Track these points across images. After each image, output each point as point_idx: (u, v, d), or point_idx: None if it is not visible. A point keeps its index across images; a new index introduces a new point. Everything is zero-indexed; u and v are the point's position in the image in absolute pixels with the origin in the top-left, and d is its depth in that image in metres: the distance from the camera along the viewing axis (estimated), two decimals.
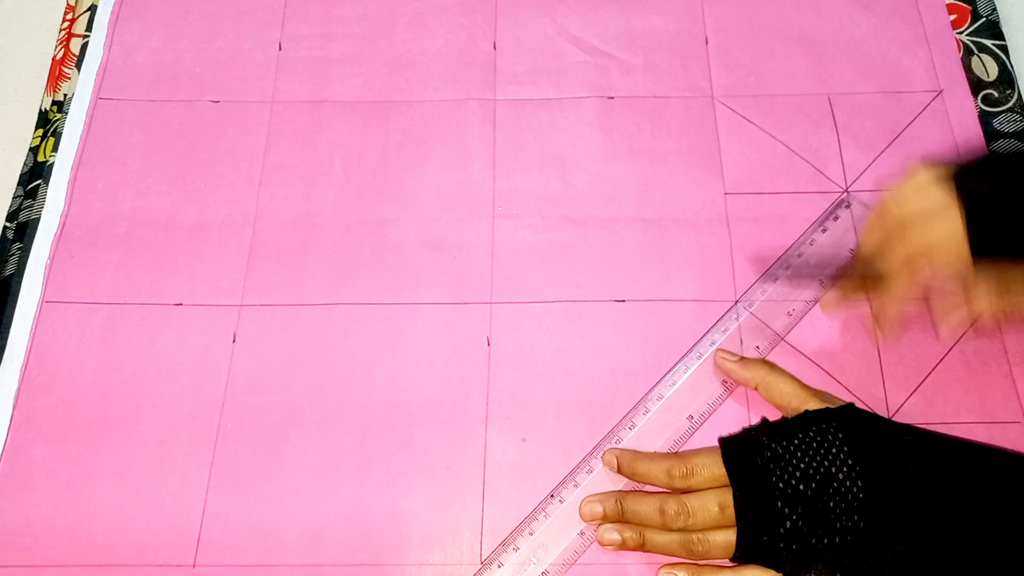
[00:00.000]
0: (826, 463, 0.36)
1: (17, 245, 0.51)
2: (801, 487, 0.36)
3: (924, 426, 0.39)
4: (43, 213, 0.51)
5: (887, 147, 0.52)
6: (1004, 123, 0.52)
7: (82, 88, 0.55)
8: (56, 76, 0.56)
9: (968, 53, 0.55)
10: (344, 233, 0.50)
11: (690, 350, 0.46)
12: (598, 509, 0.41)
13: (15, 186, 0.53)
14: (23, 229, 0.51)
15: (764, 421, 0.40)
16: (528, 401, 0.45)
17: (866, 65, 0.54)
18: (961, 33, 0.55)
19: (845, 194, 0.50)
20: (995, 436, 0.43)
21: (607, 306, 0.48)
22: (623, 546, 0.40)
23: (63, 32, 0.58)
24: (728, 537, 0.37)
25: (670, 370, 0.46)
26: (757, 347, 0.46)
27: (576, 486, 0.43)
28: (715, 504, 0.38)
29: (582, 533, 0.41)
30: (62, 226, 0.51)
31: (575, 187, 0.51)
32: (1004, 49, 0.55)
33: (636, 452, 0.42)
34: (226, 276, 0.49)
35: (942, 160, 0.41)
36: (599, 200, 0.51)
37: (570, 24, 0.56)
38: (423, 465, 0.44)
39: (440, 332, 0.47)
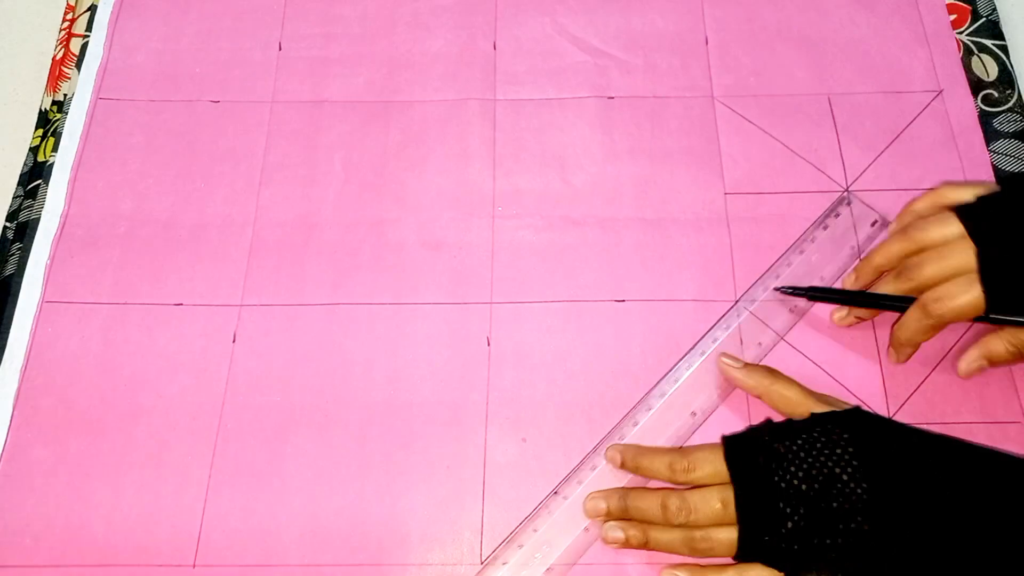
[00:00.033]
0: (830, 464, 0.36)
1: (17, 245, 0.51)
2: (804, 487, 0.35)
3: (924, 426, 0.39)
4: (43, 213, 0.51)
5: (887, 147, 0.52)
6: (1004, 123, 0.52)
7: (82, 88, 0.55)
8: (56, 76, 0.56)
9: (968, 53, 0.55)
10: (344, 233, 0.50)
11: (692, 347, 0.46)
12: (602, 505, 0.41)
13: (15, 186, 0.53)
14: (23, 229, 0.51)
15: (768, 422, 0.40)
16: (528, 401, 0.45)
17: (866, 65, 0.54)
18: (961, 33, 0.55)
19: (846, 193, 0.50)
20: (995, 436, 0.43)
21: (607, 306, 0.48)
22: (626, 544, 0.40)
23: (63, 32, 0.58)
24: (731, 535, 0.37)
25: (673, 367, 0.46)
26: (760, 343, 0.46)
27: (580, 483, 0.43)
28: (717, 500, 0.37)
29: (587, 530, 0.41)
30: (62, 226, 0.51)
31: (575, 187, 0.51)
32: (1004, 49, 0.55)
33: (640, 447, 0.42)
34: (226, 276, 0.49)
35: (971, 186, 0.43)
36: (599, 200, 0.51)
37: (570, 24, 0.56)
38: (423, 465, 0.44)
39: (440, 332, 0.47)
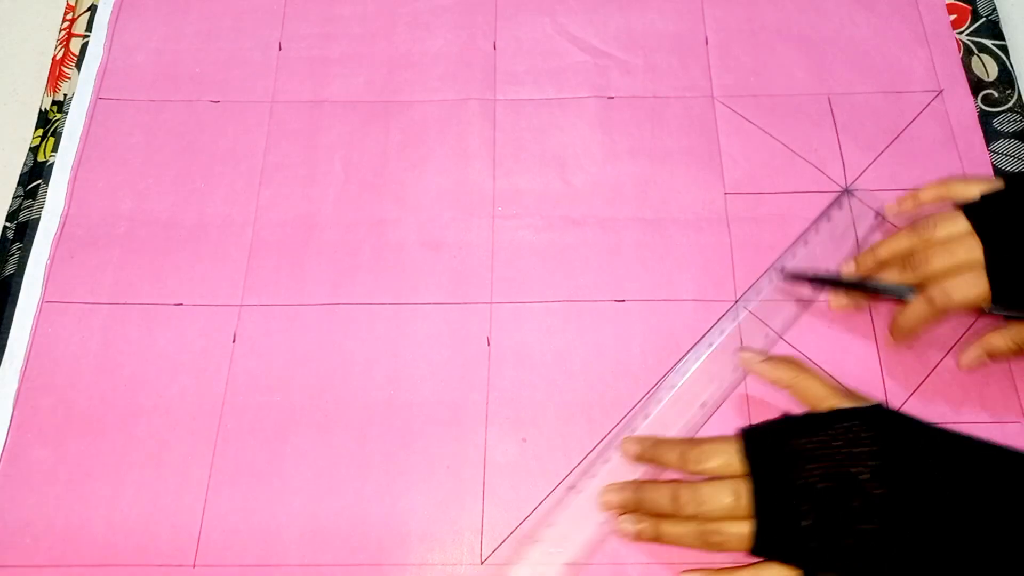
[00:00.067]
0: (849, 463, 0.35)
1: (17, 245, 0.51)
2: (822, 485, 0.35)
3: None
4: (43, 213, 0.51)
5: (887, 147, 0.52)
6: (1004, 123, 0.52)
7: (82, 88, 0.55)
8: (56, 76, 0.56)
9: (968, 53, 0.55)
10: (344, 233, 0.50)
11: (700, 340, 0.46)
12: (616, 498, 0.41)
13: (15, 186, 0.53)
14: (23, 229, 0.51)
15: (786, 416, 0.39)
16: (528, 401, 0.45)
17: (866, 65, 0.54)
18: (961, 33, 0.55)
19: (845, 193, 0.50)
20: (995, 436, 0.42)
21: (607, 306, 0.48)
22: (638, 536, 0.40)
23: (63, 32, 0.58)
24: (743, 529, 0.36)
25: (682, 359, 0.46)
26: (766, 334, 0.46)
27: (594, 476, 0.43)
28: (728, 493, 0.37)
29: (602, 523, 0.42)
30: (62, 226, 0.51)
31: (575, 187, 0.51)
32: (1004, 49, 0.55)
33: (654, 438, 0.42)
34: (226, 276, 0.49)
35: (976, 182, 0.44)
36: (599, 200, 0.51)
37: (570, 24, 0.56)
38: (423, 465, 0.44)
39: (440, 332, 0.47)
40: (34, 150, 0.54)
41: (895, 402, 0.45)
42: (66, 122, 0.54)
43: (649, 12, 0.57)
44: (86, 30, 0.58)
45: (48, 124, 0.55)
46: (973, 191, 0.43)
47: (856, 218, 0.49)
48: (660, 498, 0.39)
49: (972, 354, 0.44)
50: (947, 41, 0.55)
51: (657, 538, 0.39)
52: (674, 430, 0.44)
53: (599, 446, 0.44)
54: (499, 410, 0.45)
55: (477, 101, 0.54)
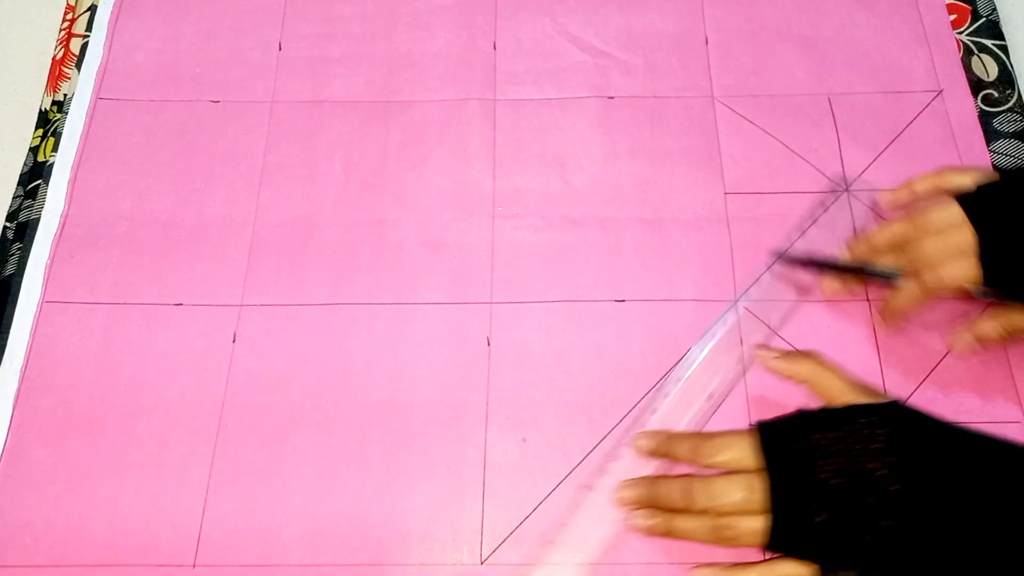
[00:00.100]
0: (865, 458, 0.35)
1: (17, 245, 0.51)
2: (838, 481, 0.35)
3: None
4: (43, 213, 0.51)
5: (887, 147, 0.52)
6: (1004, 123, 0.52)
7: (82, 88, 0.55)
8: (56, 76, 0.56)
9: (968, 53, 0.55)
10: (344, 233, 0.50)
11: (704, 334, 0.46)
12: (630, 494, 0.41)
13: (15, 186, 0.53)
14: (23, 229, 0.51)
15: (801, 411, 0.39)
16: (528, 401, 0.45)
17: (866, 65, 0.54)
18: (961, 33, 0.55)
19: (845, 192, 0.50)
20: None
21: (607, 306, 0.48)
22: (652, 531, 0.40)
23: (63, 32, 0.58)
24: (756, 524, 0.36)
25: (686, 354, 0.46)
26: (766, 332, 0.46)
27: (607, 474, 0.43)
28: (741, 488, 0.37)
29: (617, 520, 0.42)
30: (62, 226, 0.51)
31: (575, 187, 0.51)
32: (1004, 49, 0.55)
33: (667, 432, 0.42)
34: (226, 276, 0.49)
35: (971, 172, 0.44)
36: (599, 200, 0.51)
37: (570, 24, 0.56)
38: (423, 465, 0.44)
39: (440, 332, 0.47)
40: (34, 150, 0.54)
41: None
42: (66, 122, 0.54)
43: (649, 12, 0.57)
44: (86, 30, 0.58)
45: (48, 124, 0.55)
46: (967, 181, 0.44)
47: (856, 217, 0.49)
48: (673, 492, 0.39)
49: (962, 338, 0.44)
50: (947, 41, 0.55)
51: (669, 533, 0.39)
52: (683, 423, 0.44)
53: (601, 445, 0.44)
54: (499, 410, 0.45)
55: (477, 101, 0.54)
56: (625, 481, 0.41)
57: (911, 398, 0.45)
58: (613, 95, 0.54)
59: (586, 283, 0.48)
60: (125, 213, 0.51)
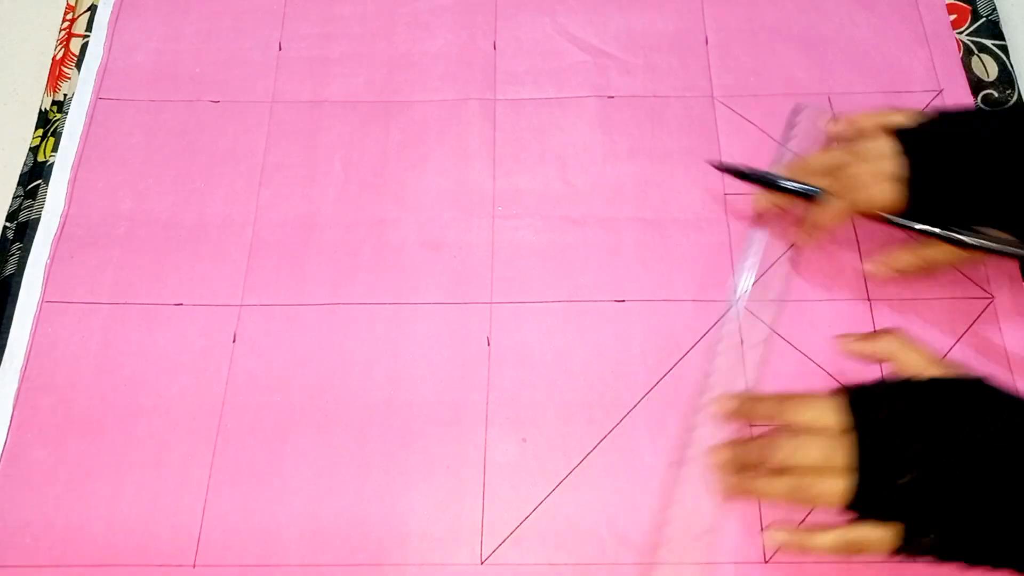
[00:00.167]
0: (950, 428, 0.35)
1: (17, 245, 0.51)
2: (923, 446, 0.35)
3: None
4: (43, 213, 0.51)
5: None
6: None
7: (82, 88, 0.55)
8: (56, 76, 0.56)
9: (968, 53, 0.55)
10: (344, 233, 0.50)
11: (704, 335, 0.47)
12: (720, 457, 0.41)
13: (15, 186, 0.53)
14: (23, 229, 0.51)
15: (883, 380, 0.39)
16: (528, 401, 0.45)
17: (866, 65, 0.54)
18: (961, 33, 0.55)
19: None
20: None
21: (607, 306, 0.48)
22: (732, 492, 0.40)
23: (63, 32, 0.58)
24: (836, 486, 0.36)
25: (688, 350, 0.47)
26: (758, 340, 0.46)
27: (691, 446, 0.44)
28: (822, 447, 0.37)
29: (713, 486, 0.43)
30: (62, 226, 0.51)
31: (575, 187, 0.51)
32: (1004, 49, 0.55)
33: (749, 393, 0.43)
34: (226, 276, 0.49)
35: (911, 112, 0.45)
36: (599, 200, 0.51)
37: (570, 24, 0.56)
38: (423, 465, 0.44)
39: (440, 332, 0.47)
40: (34, 150, 0.54)
41: None
42: (66, 122, 0.54)
43: (649, 12, 0.57)
44: (86, 30, 0.58)
45: (48, 124, 0.55)
46: (907, 120, 0.45)
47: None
48: (752, 452, 0.39)
49: (877, 265, 0.47)
50: (947, 41, 0.55)
51: (750, 493, 0.40)
52: (740, 382, 0.45)
53: (602, 444, 0.44)
54: (499, 410, 0.45)
55: (477, 101, 0.54)
56: (714, 447, 0.42)
57: None
58: (613, 95, 0.54)
59: (586, 283, 0.48)
60: (125, 213, 0.51)
